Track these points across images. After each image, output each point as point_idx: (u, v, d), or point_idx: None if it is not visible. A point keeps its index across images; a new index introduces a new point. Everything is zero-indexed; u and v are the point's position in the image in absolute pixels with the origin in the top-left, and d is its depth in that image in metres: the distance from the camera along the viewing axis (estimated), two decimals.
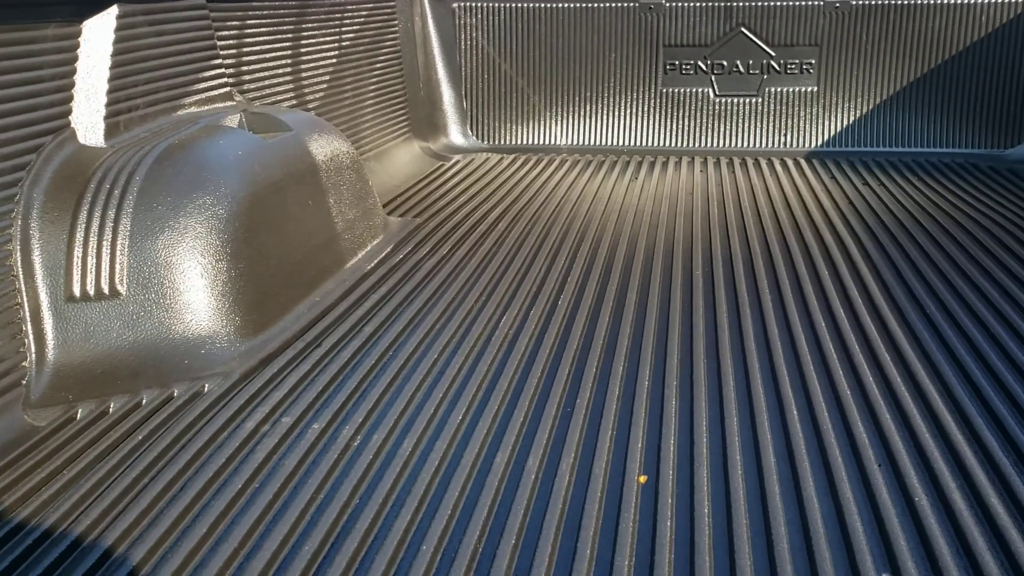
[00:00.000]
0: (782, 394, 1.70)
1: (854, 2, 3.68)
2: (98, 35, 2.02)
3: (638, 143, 3.96)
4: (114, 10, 2.04)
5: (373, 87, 3.49)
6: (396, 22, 3.70)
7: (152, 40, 2.18)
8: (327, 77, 3.14)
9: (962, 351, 1.84)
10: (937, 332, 1.95)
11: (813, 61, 3.77)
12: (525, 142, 4.03)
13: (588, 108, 3.97)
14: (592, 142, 3.99)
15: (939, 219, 2.80)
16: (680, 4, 3.77)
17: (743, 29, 3.76)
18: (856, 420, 1.59)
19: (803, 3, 3.69)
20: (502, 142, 4.03)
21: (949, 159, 3.65)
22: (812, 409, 1.64)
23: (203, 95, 2.37)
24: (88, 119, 2.00)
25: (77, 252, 1.82)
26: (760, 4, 3.72)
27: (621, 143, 3.97)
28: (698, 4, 3.76)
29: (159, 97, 2.21)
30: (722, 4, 3.75)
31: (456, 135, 4.03)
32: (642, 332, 2.00)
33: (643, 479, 1.44)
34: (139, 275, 1.83)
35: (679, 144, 3.93)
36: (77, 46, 1.98)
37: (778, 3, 3.71)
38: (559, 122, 4.00)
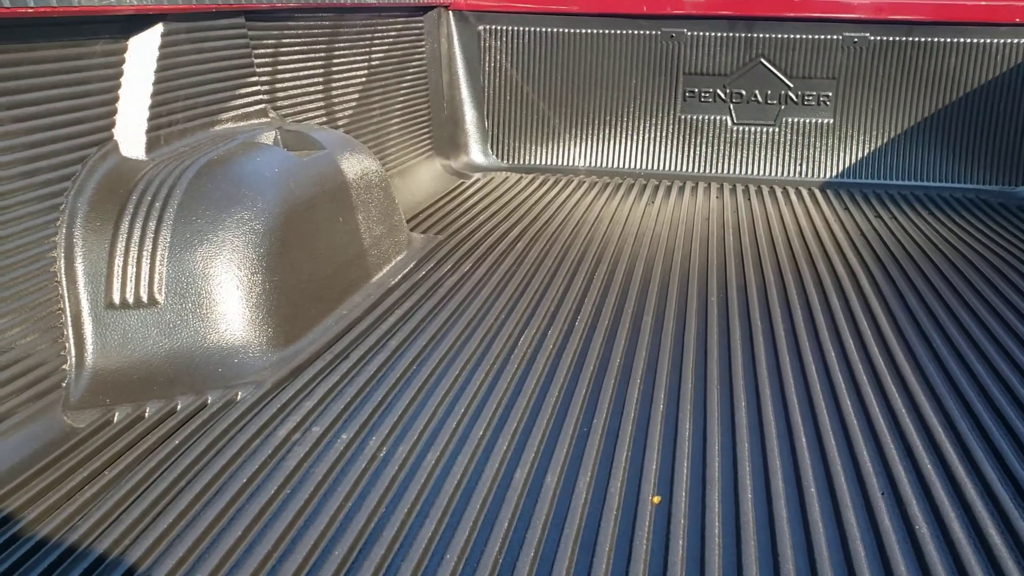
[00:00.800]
0: (791, 421, 1.76)
1: (872, 38, 3.75)
2: (143, 52, 2.10)
3: (656, 167, 4.04)
4: (159, 28, 2.12)
5: (399, 106, 3.58)
6: (423, 43, 3.79)
7: (193, 58, 2.26)
8: (356, 95, 3.23)
9: (965, 385, 1.90)
10: (942, 366, 2.01)
11: (830, 94, 3.85)
12: (544, 163, 4.11)
13: (607, 132, 4.05)
14: (610, 165, 4.07)
15: (948, 254, 2.86)
16: (701, 34, 3.86)
17: (762, 60, 3.84)
18: (862, 448, 1.65)
19: (822, 37, 3.77)
20: (522, 162, 4.11)
21: (960, 194, 3.72)
22: (820, 436, 1.71)
23: (240, 111, 2.46)
24: (131, 132, 2.08)
25: (118, 261, 1.90)
26: (780, 36, 3.80)
27: (639, 167, 4.05)
28: (719, 34, 3.85)
29: (198, 112, 2.29)
30: (742, 35, 3.83)
31: (477, 154, 4.11)
32: (657, 355, 2.07)
33: (657, 499, 1.51)
34: (177, 285, 1.91)
35: (696, 170, 4.01)
36: (123, 62, 2.06)
37: (797, 36, 3.79)
38: (578, 144, 4.08)
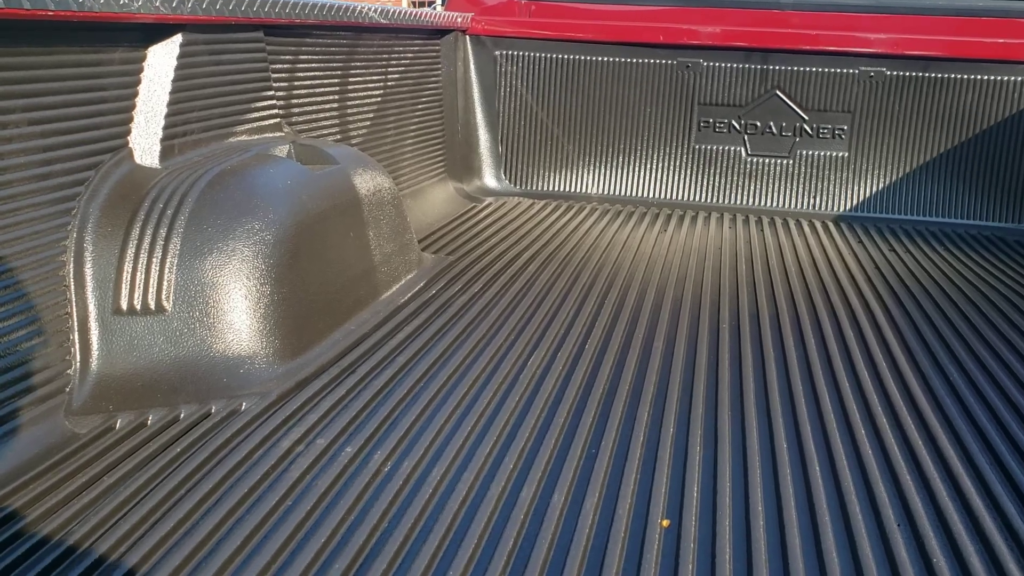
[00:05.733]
0: (804, 449, 1.73)
1: (888, 73, 3.75)
2: (162, 61, 2.10)
3: (669, 196, 4.03)
4: (179, 38, 2.12)
5: (414, 127, 3.58)
6: (440, 66, 3.80)
7: (211, 69, 2.26)
8: (371, 114, 3.23)
9: (983, 417, 1.86)
10: (958, 397, 1.97)
11: (845, 127, 3.84)
12: (557, 189, 4.10)
13: (621, 159, 4.05)
14: (623, 193, 4.06)
15: (964, 288, 2.83)
16: (717, 64, 3.86)
17: (778, 92, 3.84)
18: (877, 479, 1.62)
19: (838, 71, 3.77)
20: (534, 187, 4.11)
21: (976, 231, 3.69)
22: (834, 465, 1.67)
23: (254, 124, 2.46)
24: (146, 140, 2.07)
25: (127, 267, 1.89)
26: (796, 69, 3.80)
27: (652, 195, 4.04)
28: (735, 65, 3.85)
29: (213, 124, 2.29)
30: (758, 67, 3.83)
31: (490, 178, 4.11)
32: (667, 380, 2.04)
33: (666, 523, 1.47)
34: (185, 293, 1.89)
35: (709, 200, 4.00)
36: (141, 70, 2.06)
37: (813, 69, 3.79)
38: (591, 171, 4.08)
